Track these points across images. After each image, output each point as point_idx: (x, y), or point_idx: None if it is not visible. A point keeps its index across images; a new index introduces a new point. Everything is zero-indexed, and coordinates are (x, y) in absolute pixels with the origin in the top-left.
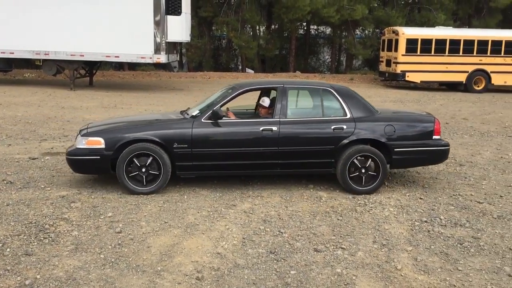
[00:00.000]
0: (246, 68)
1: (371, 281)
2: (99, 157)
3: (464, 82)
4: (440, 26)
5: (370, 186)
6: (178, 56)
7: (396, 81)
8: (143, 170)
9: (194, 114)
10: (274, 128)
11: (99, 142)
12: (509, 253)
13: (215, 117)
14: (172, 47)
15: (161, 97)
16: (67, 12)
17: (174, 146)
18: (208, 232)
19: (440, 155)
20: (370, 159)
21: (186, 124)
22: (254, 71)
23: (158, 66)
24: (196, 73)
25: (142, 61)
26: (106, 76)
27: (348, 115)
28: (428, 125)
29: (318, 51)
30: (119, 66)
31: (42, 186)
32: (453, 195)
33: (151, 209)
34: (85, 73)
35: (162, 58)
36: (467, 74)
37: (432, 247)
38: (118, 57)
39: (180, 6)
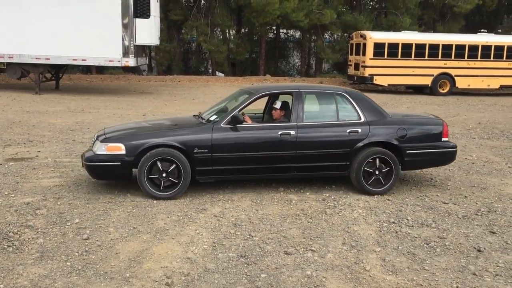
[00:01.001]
0: (216, 72)
1: (340, 283)
2: (119, 163)
3: (429, 85)
4: (406, 31)
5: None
6: (147, 59)
7: (365, 84)
8: (164, 175)
9: (212, 119)
10: (292, 132)
11: (119, 148)
12: (473, 252)
13: (236, 121)
14: (141, 50)
15: (130, 101)
16: (32, 14)
17: (195, 151)
18: (178, 237)
19: (448, 156)
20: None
21: (206, 129)
22: (224, 75)
23: (126, 69)
24: (165, 76)
25: (110, 64)
26: (73, 79)
27: (362, 119)
28: (437, 128)
29: (288, 54)
30: (87, 69)
31: (6, 193)
32: (420, 196)
33: (119, 214)
34: (51, 77)
35: (131, 61)
36: (432, 77)
37: (399, 247)
38: (85, 60)
39: (149, 9)
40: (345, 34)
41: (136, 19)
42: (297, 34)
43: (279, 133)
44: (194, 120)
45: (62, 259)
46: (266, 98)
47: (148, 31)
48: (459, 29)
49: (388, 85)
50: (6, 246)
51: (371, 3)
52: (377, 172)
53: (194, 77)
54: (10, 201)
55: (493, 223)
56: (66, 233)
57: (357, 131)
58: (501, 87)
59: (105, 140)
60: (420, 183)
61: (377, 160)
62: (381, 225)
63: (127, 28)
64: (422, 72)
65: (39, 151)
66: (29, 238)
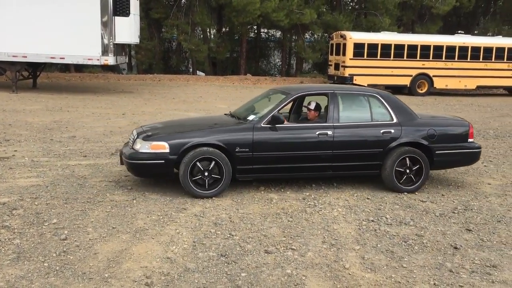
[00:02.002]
0: (197, 71)
1: (320, 281)
2: (163, 161)
3: (408, 86)
4: (385, 31)
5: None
6: (127, 58)
7: (345, 84)
8: (206, 174)
9: (250, 118)
10: (329, 132)
11: (163, 147)
12: (450, 250)
13: (276, 121)
14: (121, 49)
15: (109, 99)
16: (9, 11)
17: (236, 150)
18: (157, 237)
19: (474, 156)
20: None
21: (247, 129)
22: (205, 74)
23: (106, 68)
24: (145, 75)
25: (89, 62)
26: (51, 78)
27: (395, 120)
28: (464, 129)
29: (268, 54)
30: (65, 68)
31: None
32: (398, 195)
33: (98, 214)
34: (28, 75)
35: (110, 60)
36: (411, 78)
37: (378, 245)
38: (63, 58)
39: (129, 7)
40: (326, 34)
41: (116, 17)
42: (278, 33)
43: (317, 133)
44: (232, 120)
45: (39, 259)
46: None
47: (128, 29)
48: (437, 30)
49: (368, 85)
50: None
51: (351, 3)
52: (407, 171)
53: (175, 76)
54: None
55: (469, 221)
56: (44, 234)
57: (390, 132)
58: (478, 87)
59: (149, 138)
60: None
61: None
62: (360, 224)
63: (107, 26)
64: (401, 72)
65: (16, 151)
66: (5, 239)
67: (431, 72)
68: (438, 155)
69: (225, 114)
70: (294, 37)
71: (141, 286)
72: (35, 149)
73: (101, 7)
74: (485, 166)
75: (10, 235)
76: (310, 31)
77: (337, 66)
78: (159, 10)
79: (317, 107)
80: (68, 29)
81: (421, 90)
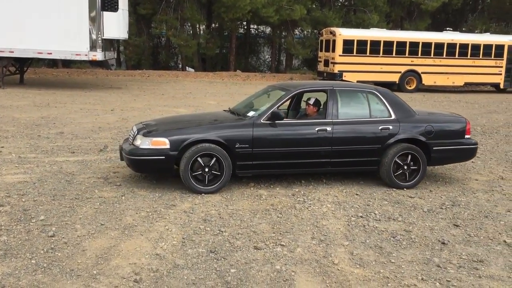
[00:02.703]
0: (186, 67)
1: (309, 277)
2: (164, 157)
3: (397, 82)
4: (374, 28)
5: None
6: (116, 53)
7: (334, 80)
8: (206, 170)
9: (249, 115)
10: (328, 129)
11: (164, 143)
12: (437, 245)
13: (276, 117)
14: (109, 44)
15: (97, 95)
16: None
17: (236, 146)
18: (146, 233)
19: (470, 152)
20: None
21: (247, 125)
22: (195, 70)
23: (94, 63)
24: (134, 71)
25: (77, 58)
26: (38, 73)
27: (393, 116)
28: (461, 126)
29: (258, 50)
30: (53, 63)
31: None
32: (387, 190)
33: (86, 211)
34: (15, 71)
35: (98, 55)
36: (399, 74)
37: (367, 241)
38: (51, 53)
39: (117, 2)
40: (315, 31)
41: (104, 12)
42: (268, 30)
43: (316, 129)
44: (232, 116)
45: (26, 256)
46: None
47: (116, 24)
48: (425, 27)
49: (357, 81)
50: None
51: (341, 0)
52: (405, 167)
53: (164, 72)
54: None
55: (456, 216)
56: (31, 230)
57: (388, 128)
58: (465, 84)
59: (149, 134)
60: None
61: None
62: (349, 220)
63: (95, 21)
64: (390, 69)
65: (3, 147)
66: None
67: (419, 69)
68: (435, 151)
69: (224, 110)
70: (283, 33)
71: (130, 282)
72: (22, 145)
73: (89, 2)
74: (472, 162)
75: None
76: (299, 27)
77: (326, 63)
78: (147, 6)
79: (316, 102)
80: (56, 24)
81: (410, 86)
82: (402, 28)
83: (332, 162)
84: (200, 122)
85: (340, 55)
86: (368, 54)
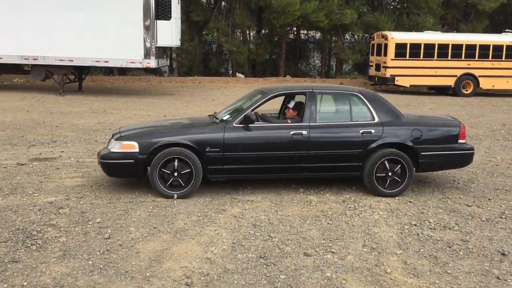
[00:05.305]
0: (237, 73)
1: (360, 285)
2: (133, 161)
3: (452, 86)
4: (428, 31)
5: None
6: (168, 61)
7: (386, 85)
8: (176, 174)
9: (225, 118)
10: (304, 132)
11: (133, 146)
12: (497, 256)
13: (247, 121)
14: (162, 52)
15: (151, 102)
16: (56, 16)
17: (207, 150)
18: (197, 237)
19: (465, 158)
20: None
21: (218, 129)
22: (245, 76)
23: (148, 71)
24: (186, 78)
25: (132, 66)
26: (95, 81)
27: (376, 119)
28: (453, 129)
29: (308, 55)
30: (109, 71)
31: (30, 192)
32: (442, 198)
33: (140, 214)
34: (74, 78)
35: (152, 63)
36: (455, 78)
37: (421, 250)
38: (107, 62)
39: (170, 11)
40: (366, 35)
41: (158, 20)
42: (318, 35)
43: (291, 133)
44: (208, 120)
45: (84, 257)
46: (282, 99)
47: (169, 32)
48: (482, 29)
49: (410, 86)
50: (29, 245)
51: (393, 3)
52: (390, 174)
53: (215, 78)
54: (34, 200)
55: None
56: (88, 232)
57: (370, 132)
58: None
59: (120, 138)
60: (442, 185)
61: (390, 161)
62: (402, 228)
63: (149, 30)
64: (445, 72)
65: (62, 151)
66: (52, 237)
67: (476, 72)
68: (424, 156)
69: (208, 115)
70: (333, 38)
71: (181, 285)
72: (81, 150)
73: (144, 12)
74: None
75: (57, 233)
76: (350, 32)
77: (378, 67)
78: (199, 13)
79: (297, 106)
80: (112, 33)
81: (466, 90)
82: (458, 30)
83: (310, 167)
84: (174, 126)
85: (392, 59)
86: (421, 57)
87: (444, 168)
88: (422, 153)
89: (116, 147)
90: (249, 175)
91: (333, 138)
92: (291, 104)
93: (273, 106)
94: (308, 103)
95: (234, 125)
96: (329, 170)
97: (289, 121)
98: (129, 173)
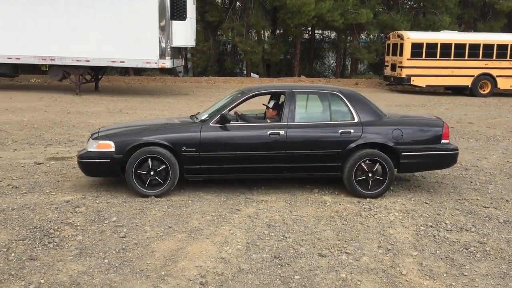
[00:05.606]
0: (251, 73)
1: (375, 286)
2: (109, 160)
3: (469, 86)
4: (445, 30)
5: (377, 191)
6: (183, 61)
7: (402, 85)
8: (152, 173)
9: (203, 118)
10: (281, 132)
11: (109, 146)
12: None
13: (224, 121)
14: (177, 52)
15: (166, 102)
16: (73, 17)
17: (183, 149)
18: (212, 237)
19: (448, 159)
20: (377, 163)
21: (195, 128)
22: (259, 76)
23: (163, 71)
24: (201, 78)
25: (147, 66)
26: (111, 81)
27: (356, 119)
28: (436, 129)
29: (323, 55)
30: (125, 71)
31: (47, 191)
32: (459, 199)
33: (155, 213)
34: (90, 78)
35: (167, 63)
36: (472, 78)
37: (437, 252)
38: (123, 62)
39: (185, 11)
40: (382, 35)
41: (173, 21)
42: (333, 34)
43: (268, 132)
44: (188, 120)
45: (100, 256)
46: (268, 99)
47: (185, 33)
48: (500, 28)
49: (426, 86)
50: (47, 243)
51: (409, 2)
52: (370, 175)
53: (229, 78)
54: (51, 199)
55: None
56: (104, 231)
57: (349, 132)
58: None
59: (97, 138)
60: (459, 186)
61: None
62: (418, 229)
63: (164, 30)
64: (462, 72)
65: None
66: (68, 235)
67: (494, 72)
68: (405, 157)
69: (190, 116)
70: (349, 37)
71: (196, 285)
72: None
73: (159, 12)
74: None
75: (73, 231)
76: (365, 32)
77: (393, 67)
78: (213, 14)
79: (276, 106)
80: (128, 34)
81: (484, 91)
82: (475, 29)
83: (288, 167)
84: (153, 126)
85: (408, 59)
86: (438, 57)
87: (427, 169)
88: (403, 154)
89: (93, 146)
90: (226, 175)
91: (310, 138)
92: (271, 104)
93: (259, 105)
94: (287, 102)
95: (211, 124)
96: (307, 171)
97: (268, 121)
98: (106, 173)
